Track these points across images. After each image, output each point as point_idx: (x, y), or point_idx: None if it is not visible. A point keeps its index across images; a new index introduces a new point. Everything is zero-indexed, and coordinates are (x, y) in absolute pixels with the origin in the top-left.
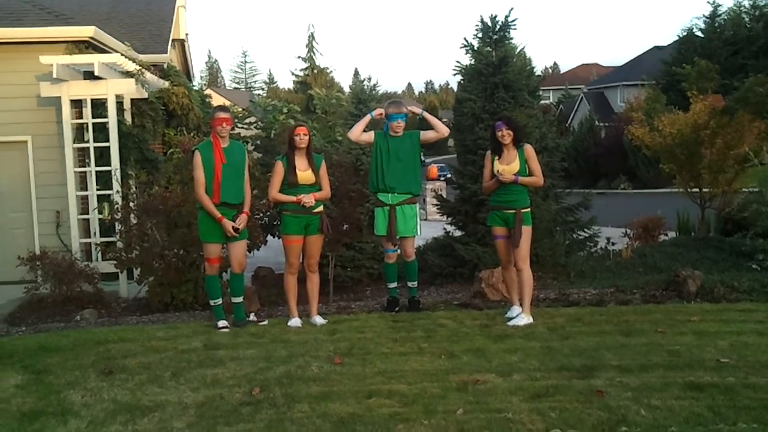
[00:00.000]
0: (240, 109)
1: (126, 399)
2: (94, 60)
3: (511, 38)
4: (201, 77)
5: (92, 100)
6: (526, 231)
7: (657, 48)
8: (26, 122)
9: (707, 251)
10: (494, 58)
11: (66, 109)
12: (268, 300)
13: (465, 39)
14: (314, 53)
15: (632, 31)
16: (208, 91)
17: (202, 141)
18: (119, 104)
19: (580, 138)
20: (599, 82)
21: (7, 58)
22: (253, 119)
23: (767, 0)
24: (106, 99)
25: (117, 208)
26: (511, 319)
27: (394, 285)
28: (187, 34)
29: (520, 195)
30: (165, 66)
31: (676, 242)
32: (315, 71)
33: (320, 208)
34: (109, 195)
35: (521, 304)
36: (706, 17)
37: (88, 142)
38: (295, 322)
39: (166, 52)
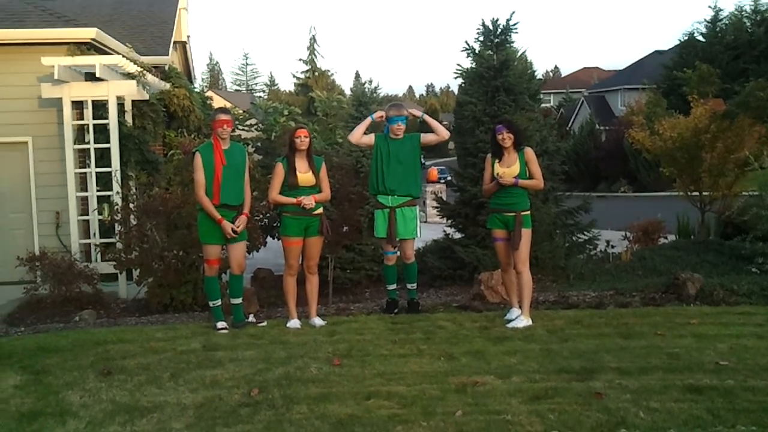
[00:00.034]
0: (241, 111)
1: (125, 400)
2: (96, 61)
3: (513, 42)
4: (202, 79)
5: (93, 101)
6: (526, 234)
7: (658, 52)
8: (27, 123)
9: (707, 254)
10: (495, 62)
11: (67, 111)
12: (267, 301)
13: (466, 42)
14: (315, 56)
15: (633, 36)
16: (209, 93)
17: (202, 143)
18: (120, 106)
19: (580, 141)
20: (600, 85)
21: (8, 59)
22: (253, 121)
23: None
24: (107, 100)
25: (117, 209)
26: (510, 321)
27: (393, 287)
28: (188, 36)
29: (520, 198)
30: (166, 68)
31: (676, 245)
32: (316, 74)
33: (320, 210)
34: (109, 196)
35: (520, 307)
36: (708, 22)
37: (88, 143)
38: (294, 323)
39: (168, 54)
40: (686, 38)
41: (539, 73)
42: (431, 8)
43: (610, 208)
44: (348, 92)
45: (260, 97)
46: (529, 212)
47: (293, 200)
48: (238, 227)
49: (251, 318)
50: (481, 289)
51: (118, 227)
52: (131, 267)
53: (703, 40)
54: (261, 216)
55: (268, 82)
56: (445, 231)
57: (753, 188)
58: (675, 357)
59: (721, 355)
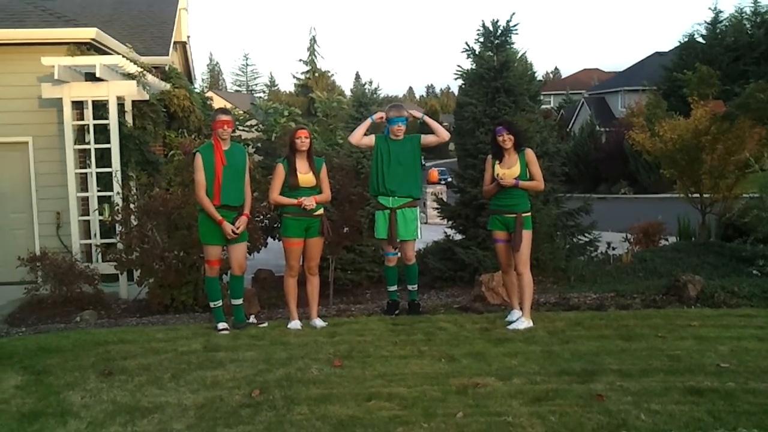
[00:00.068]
0: (241, 112)
1: (125, 400)
2: (96, 62)
3: (513, 43)
4: (202, 80)
5: (93, 101)
6: (527, 235)
7: (658, 54)
8: (27, 123)
9: (708, 256)
10: (495, 63)
11: (67, 111)
12: (268, 302)
13: (466, 43)
14: (316, 56)
15: (633, 37)
16: (209, 94)
17: (203, 143)
18: (120, 106)
19: (580, 143)
20: (600, 87)
21: (8, 59)
22: (254, 122)
23: None
24: (107, 100)
25: (117, 209)
26: (511, 322)
27: (394, 288)
28: (188, 37)
29: (521, 199)
30: (166, 68)
31: (677, 247)
32: (316, 74)
33: (321, 211)
34: (110, 196)
35: (521, 308)
36: (708, 23)
37: (89, 143)
38: (295, 324)
39: (168, 55)
40: (686, 40)
41: (539, 75)
42: (431, 9)
43: (610, 209)
44: (348, 93)
45: (260, 97)
46: (529, 214)
47: (294, 201)
48: (238, 228)
49: (252, 319)
50: (482, 291)
51: (118, 228)
52: (132, 267)
53: (704, 41)
54: (262, 217)
55: (269, 83)
56: (445, 232)
57: (753, 190)
58: (676, 359)
59: (722, 358)
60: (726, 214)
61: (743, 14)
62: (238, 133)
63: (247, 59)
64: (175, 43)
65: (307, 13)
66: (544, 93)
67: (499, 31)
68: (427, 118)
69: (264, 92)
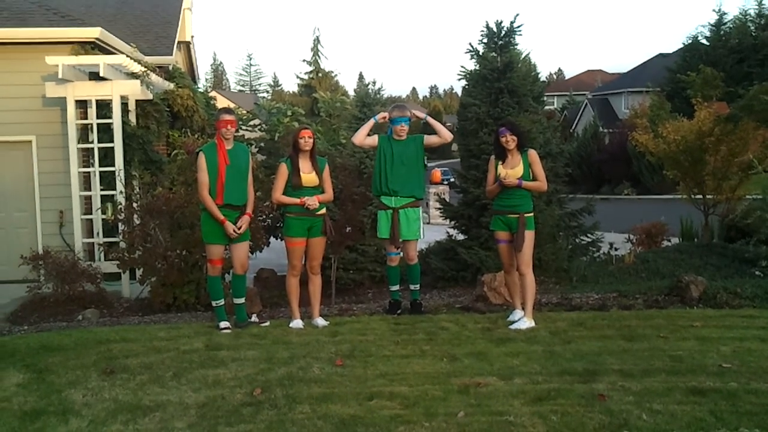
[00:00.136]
0: (244, 112)
1: (127, 399)
2: (100, 61)
3: (516, 44)
4: (206, 79)
5: (97, 100)
6: (529, 235)
7: (662, 55)
8: (31, 122)
9: (710, 257)
10: (499, 64)
11: (71, 110)
12: (270, 301)
13: (470, 44)
14: (319, 57)
15: (637, 39)
16: (212, 94)
17: (206, 143)
18: (124, 105)
19: (584, 144)
20: (604, 88)
21: (12, 59)
22: (257, 122)
23: None
24: (111, 100)
25: (120, 208)
26: (513, 322)
27: (396, 288)
28: (192, 37)
29: (524, 199)
30: (170, 68)
31: (679, 248)
32: (320, 75)
33: (323, 211)
34: (113, 195)
35: (523, 308)
36: (712, 25)
37: (92, 142)
38: (297, 323)
39: (172, 54)
40: (690, 41)
41: (543, 76)
42: (435, 10)
43: (613, 210)
44: (351, 93)
45: (264, 97)
46: (532, 214)
47: (297, 201)
48: (240, 228)
49: (254, 318)
50: (484, 291)
51: (121, 226)
52: (134, 266)
53: (707, 43)
54: (264, 216)
55: (272, 83)
56: (448, 232)
57: (756, 191)
58: (678, 359)
59: (724, 358)
60: (729, 215)
61: (747, 16)
62: (241, 132)
63: (250, 59)
64: (179, 42)
65: (310, 14)
66: (548, 94)
67: (503, 32)
68: (430, 119)
69: (267, 92)
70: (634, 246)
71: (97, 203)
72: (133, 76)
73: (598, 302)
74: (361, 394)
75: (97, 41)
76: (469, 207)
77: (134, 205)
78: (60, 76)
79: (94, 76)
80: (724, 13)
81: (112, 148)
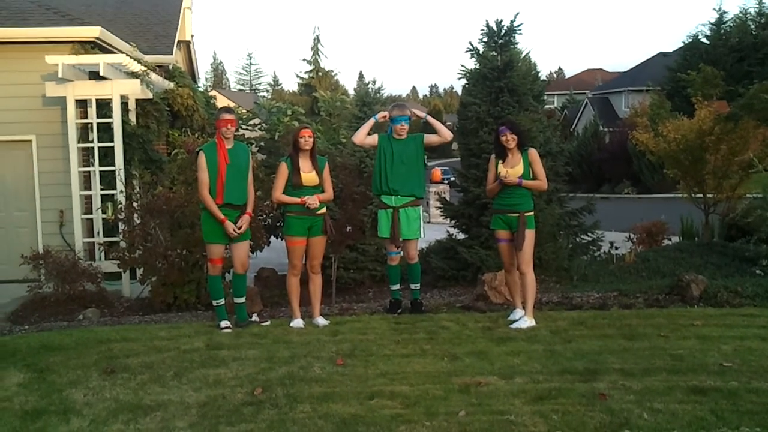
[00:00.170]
0: (244, 111)
1: (128, 398)
2: (100, 60)
3: (517, 43)
4: (206, 79)
5: (97, 100)
6: (530, 234)
7: (662, 54)
8: (31, 121)
9: (711, 256)
10: (499, 63)
11: (71, 109)
12: (270, 301)
13: (470, 43)
14: (319, 56)
15: (638, 37)
16: (212, 93)
17: (206, 142)
18: (124, 104)
19: (584, 143)
20: (604, 87)
21: (12, 58)
22: (257, 121)
23: None
24: (111, 99)
25: (121, 208)
26: (513, 321)
27: (396, 287)
28: (192, 36)
29: (524, 198)
30: (170, 67)
31: (680, 247)
32: (320, 74)
33: (323, 210)
34: (113, 195)
35: (524, 307)
36: (712, 24)
37: (92, 141)
38: (298, 323)
39: (172, 54)
40: (690, 40)
41: (543, 75)
42: (435, 9)
43: (613, 209)
44: (351, 92)
45: (264, 96)
46: (532, 213)
47: (297, 200)
48: (240, 227)
49: (254, 317)
50: (485, 290)
51: (121, 226)
52: (135, 266)
53: (708, 42)
54: (264, 215)
55: (272, 82)
56: (448, 231)
57: (757, 190)
58: (679, 358)
59: (725, 357)
60: (729, 214)
61: (748, 15)
62: (241, 132)
63: (250, 58)
64: (178, 42)
65: (310, 13)
66: (548, 93)
67: (503, 31)
68: (430, 118)
69: (267, 91)
70: (634, 245)
71: (97, 203)
72: (133, 75)
73: (598, 301)
74: (361, 393)
75: (97, 40)
76: (470, 206)
77: (134, 204)
78: (60, 75)
79: (94, 76)
80: (725, 12)
81: (112, 147)
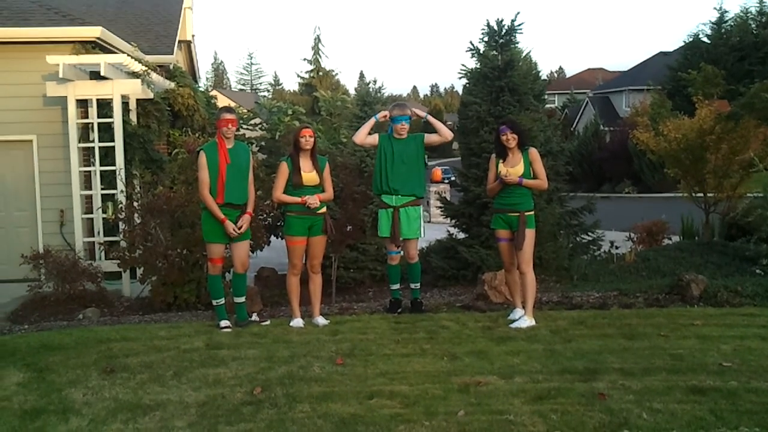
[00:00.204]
0: (245, 111)
1: (127, 398)
2: (101, 60)
3: (517, 42)
4: (207, 78)
5: (98, 100)
6: (530, 234)
7: (663, 53)
8: (32, 121)
9: (711, 256)
10: (500, 62)
11: (72, 109)
12: (270, 300)
13: (471, 42)
14: (320, 56)
15: (638, 37)
16: (213, 93)
17: (207, 142)
18: (125, 104)
19: (584, 142)
20: (605, 86)
21: (13, 58)
22: (258, 120)
23: None
24: (111, 99)
25: (121, 207)
26: (513, 321)
27: (396, 287)
28: (193, 36)
29: (524, 198)
30: (171, 67)
31: (680, 247)
32: (320, 73)
33: (324, 210)
34: (114, 194)
35: (524, 307)
36: (713, 23)
37: (93, 141)
38: (297, 322)
39: (173, 53)
40: (691, 39)
41: (544, 74)
42: (436, 8)
43: (614, 209)
44: (352, 92)
45: (265, 96)
46: (533, 212)
47: (298, 199)
48: (241, 227)
49: (254, 317)
50: (485, 289)
51: (122, 226)
52: (135, 265)
53: (708, 41)
54: (265, 215)
55: (273, 82)
56: (448, 231)
57: (757, 190)
58: (678, 358)
59: (724, 357)
60: (730, 213)
61: (748, 14)
62: (242, 131)
63: (251, 58)
64: (179, 42)
65: (311, 13)
66: (549, 92)
67: (504, 31)
68: (430, 118)
69: (268, 91)
70: (634, 244)
71: (97, 202)
72: (133, 75)
73: (598, 301)
74: (361, 392)
75: (98, 40)
76: (470, 205)
77: (135, 204)
78: (61, 75)
79: (95, 76)
80: (725, 11)
81: (113, 147)
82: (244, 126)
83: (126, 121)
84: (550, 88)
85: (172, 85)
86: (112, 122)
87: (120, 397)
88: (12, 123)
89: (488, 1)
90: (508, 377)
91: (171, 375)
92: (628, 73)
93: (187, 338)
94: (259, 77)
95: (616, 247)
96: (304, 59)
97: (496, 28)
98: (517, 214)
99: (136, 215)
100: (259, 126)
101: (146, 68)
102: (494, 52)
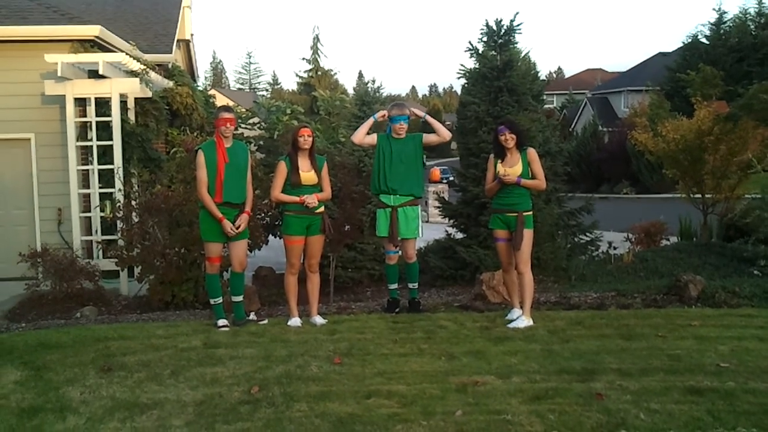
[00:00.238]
0: (244, 110)
1: (125, 396)
2: (99, 59)
3: (516, 42)
4: (205, 77)
5: (96, 98)
6: (528, 234)
7: (662, 54)
8: (30, 120)
9: (709, 257)
10: (499, 62)
11: (70, 108)
12: (268, 299)
13: (470, 43)
14: (319, 55)
15: (637, 37)
16: (212, 92)
17: (205, 141)
18: (123, 103)
19: (583, 142)
20: (603, 87)
21: (12, 56)
22: (256, 120)
23: None
24: (110, 98)
25: (119, 206)
26: (511, 321)
27: (394, 286)
28: (192, 35)
29: (523, 198)
30: (170, 66)
31: (678, 247)
32: (319, 73)
33: (322, 209)
34: (112, 193)
35: (522, 307)
36: (712, 24)
37: (91, 140)
38: (295, 321)
39: (171, 52)
40: (690, 40)
41: (542, 74)
42: (435, 8)
43: (612, 209)
44: (351, 92)
45: (263, 95)
46: (531, 213)
47: (296, 199)
48: (239, 226)
49: (252, 316)
50: (483, 289)
51: (120, 224)
52: (133, 264)
53: (707, 42)
54: (263, 214)
55: (271, 81)
56: (446, 231)
57: (755, 191)
58: (676, 359)
59: (722, 357)
60: (728, 214)
61: (747, 15)
62: (240, 130)
63: (250, 57)
64: (178, 41)
65: (310, 12)
66: (547, 93)
67: (503, 31)
68: (429, 118)
69: (267, 90)
70: (632, 245)
71: (95, 201)
72: (132, 74)
73: (596, 301)
74: (359, 392)
75: (97, 39)
76: (468, 206)
77: (133, 202)
78: (59, 73)
79: (94, 74)
80: (724, 12)
81: (111, 146)
82: (243, 125)
83: (124, 120)
84: (548, 88)
85: (171, 84)
86: (111, 121)
87: (117, 396)
88: (10, 121)
89: (487, 1)
90: (505, 377)
91: (168, 374)
92: (627, 73)
93: (184, 337)
94: (258, 76)
95: (614, 248)
96: (303, 59)
97: (495, 28)
98: (516, 214)
99: (134, 214)
100: (258, 125)
101: (145, 67)
102: (493, 53)
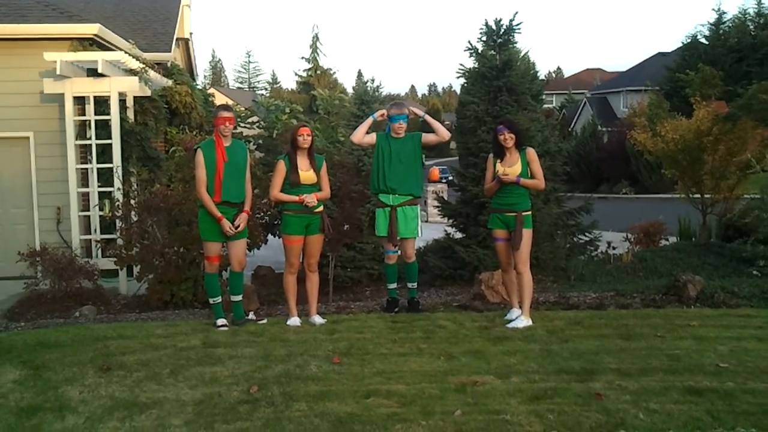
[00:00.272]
0: (243, 109)
1: (124, 395)
2: (98, 57)
3: (515, 42)
4: (204, 76)
5: (95, 97)
6: (527, 234)
7: (661, 54)
8: (29, 118)
9: (708, 257)
10: (498, 62)
11: (69, 106)
12: (267, 299)
13: (469, 42)
14: (318, 54)
15: (636, 37)
16: (211, 90)
17: (204, 140)
18: (122, 102)
19: (582, 142)
20: (603, 87)
21: (10, 54)
22: (255, 119)
23: None
24: (109, 96)
25: (118, 205)
26: (510, 321)
27: (394, 286)
28: (191, 33)
29: (522, 198)
30: (169, 64)
31: (677, 247)
32: (318, 72)
33: (321, 208)
34: (110, 192)
35: (521, 307)
36: (711, 24)
37: (90, 139)
38: (294, 321)
39: (170, 51)
40: (689, 40)
41: (542, 74)
42: (434, 8)
43: (611, 209)
44: (350, 91)
45: (262, 94)
46: (530, 212)
47: (295, 198)
48: (237, 226)
49: (251, 315)
50: (482, 289)
51: (118, 223)
52: (132, 263)
53: (706, 42)
54: (262, 213)
55: (270, 80)
56: (446, 230)
57: (754, 191)
58: (675, 359)
59: (721, 358)
60: (727, 214)
61: (747, 15)
62: (239, 129)
63: (249, 56)
64: (177, 39)
65: (309, 11)
66: (547, 92)
67: (502, 30)
68: (428, 117)
69: (266, 89)
70: (632, 245)
71: (94, 200)
72: (131, 72)
73: (595, 301)
74: (358, 392)
75: (96, 38)
76: (468, 205)
77: (132, 201)
78: (58, 72)
79: (92, 73)
80: (724, 12)
81: (110, 144)
82: (242, 124)
83: (123, 119)
84: (548, 88)
85: (170, 82)
86: (110, 119)
87: (116, 395)
88: (9, 120)
89: (487, 1)
90: (504, 377)
91: (168, 373)
92: (626, 73)
93: (183, 336)
94: (257, 75)
95: (614, 248)
96: (302, 58)
97: (494, 27)
98: (515, 213)
99: (133, 213)
100: (257, 124)
101: (144, 66)
102: (492, 52)
